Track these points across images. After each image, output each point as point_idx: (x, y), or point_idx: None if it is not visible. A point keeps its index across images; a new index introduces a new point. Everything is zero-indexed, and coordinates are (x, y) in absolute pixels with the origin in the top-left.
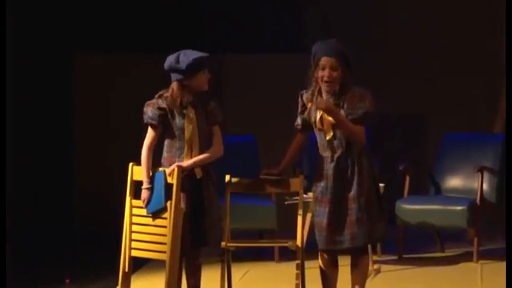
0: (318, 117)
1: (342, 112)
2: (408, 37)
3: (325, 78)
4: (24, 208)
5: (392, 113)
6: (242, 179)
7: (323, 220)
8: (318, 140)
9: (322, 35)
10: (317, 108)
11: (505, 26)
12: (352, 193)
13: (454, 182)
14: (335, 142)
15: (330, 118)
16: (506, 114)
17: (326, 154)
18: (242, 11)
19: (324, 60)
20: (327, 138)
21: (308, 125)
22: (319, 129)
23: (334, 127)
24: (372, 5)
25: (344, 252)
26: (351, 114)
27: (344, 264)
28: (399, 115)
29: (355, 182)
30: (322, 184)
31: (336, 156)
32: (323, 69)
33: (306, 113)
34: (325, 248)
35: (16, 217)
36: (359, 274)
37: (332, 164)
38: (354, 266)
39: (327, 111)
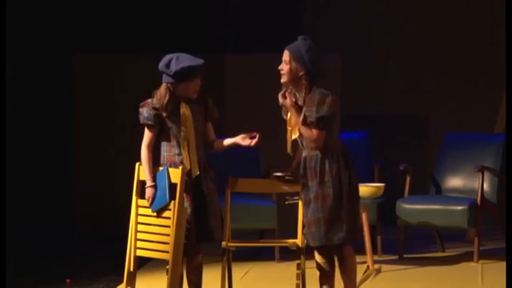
0: (288, 117)
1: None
2: (409, 37)
3: (280, 70)
4: (24, 208)
5: (392, 113)
6: (243, 178)
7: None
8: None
9: (321, 35)
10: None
11: (505, 27)
12: (313, 193)
13: (454, 182)
14: (303, 143)
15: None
16: (506, 114)
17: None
18: (242, 11)
19: (283, 54)
20: (293, 137)
21: None
22: (289, 129)
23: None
24: (372, 5)
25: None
26: (308, 117)
27: None
28: (399, 115)
29: (315, 182)
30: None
31: (303, 156)
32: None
33: (283, 110)
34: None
35: (16, 217)
36: (345, 273)
37: (301, 165)
38: (339, 265)
39: (286, 106)
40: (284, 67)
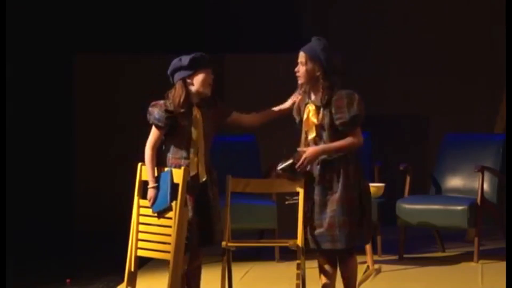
0: (304, 118)
1: (326, 114)
2: (409, 37)
3: (296, 72)
4: (24, 208)
5: (393, 113)
6: (243, 179)
7: (311, 220)
8: (306, 141)
9: (321, 35)
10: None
11: (505, 27)
12: (338, 195)
13: (454, 182)
14: (320, 144)
15: (315, 120)
16: (506, 114)
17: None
18: (242, 11)
19: (299, 55)
20: (309, 137)
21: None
22: (305, 130)
23: (318, 128)
24: (372, 5)
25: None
26: (340, 118)
27: None
28: (399, 115)
29: (340, 185)
30: (310, 184)
31: (320, 158)
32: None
33: (295, 112)
34: (311, 247)
35: (16, 217)
36: (348, 275)
37: (318, 166)
38: (341, 268)
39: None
40: (300, 69)
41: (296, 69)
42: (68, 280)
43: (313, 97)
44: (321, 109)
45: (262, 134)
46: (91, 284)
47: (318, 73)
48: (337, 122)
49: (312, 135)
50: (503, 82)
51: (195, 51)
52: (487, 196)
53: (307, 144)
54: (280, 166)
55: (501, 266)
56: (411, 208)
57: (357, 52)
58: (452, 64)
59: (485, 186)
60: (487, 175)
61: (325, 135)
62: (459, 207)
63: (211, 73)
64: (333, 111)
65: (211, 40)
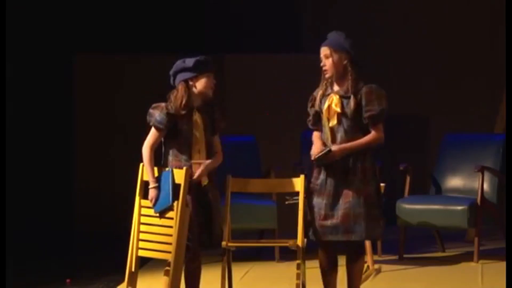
0: (326, 106)
1: (352, 103)
2: (409, 38)
3: (323, 67)
4: (24, 208)
5: (393, 113)
6: (243, 179)
7: (320, 211)
8: (323, 131)
9: (322, 35)
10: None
11: (505, 27)
12: (354, 188)
13: (454, 182)
14: (339, 135)
15: (338, 109)
16: (506, 114)
17: (329, 145)
18: (242, 11)
19: (321, 51)
20: (330, 125)
21: (319, 118)
22: (327, 118)
23: (340, 116)
24: (372, 5)
25: (342, 251)
26: (369, 111)
27: (344, 264)
28: (400, 115)
29: (358, 177)
30: (322, 176)
31: None
32: (322, 59)
33: (316, 104)
34: (318, 239)
35: (16, 217)
36: (354, 272)
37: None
38: (349, 264)
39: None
40: (326, 62)
41: (321, 64)
42: (68, 280)
43: (336, 88)
44: (348, 98)
45: (262, 134)
46: (91, 284)
47: (345, 62)
48: (367, 115)
49: (333, 122)
50: (503, 82)
51: (195, 51)
52: (487, 196)
53: (328, 136)
54: (316, 156)
55: (501, 266)
56: (411, 208)
57: (357, 52)
58: (452, 64)
59: (485, 186)
60: (487, 175)
61: (346, 123)
62: (459, 207)
63: (213, 78)
64: (363, 102)
65: (211, 40)
